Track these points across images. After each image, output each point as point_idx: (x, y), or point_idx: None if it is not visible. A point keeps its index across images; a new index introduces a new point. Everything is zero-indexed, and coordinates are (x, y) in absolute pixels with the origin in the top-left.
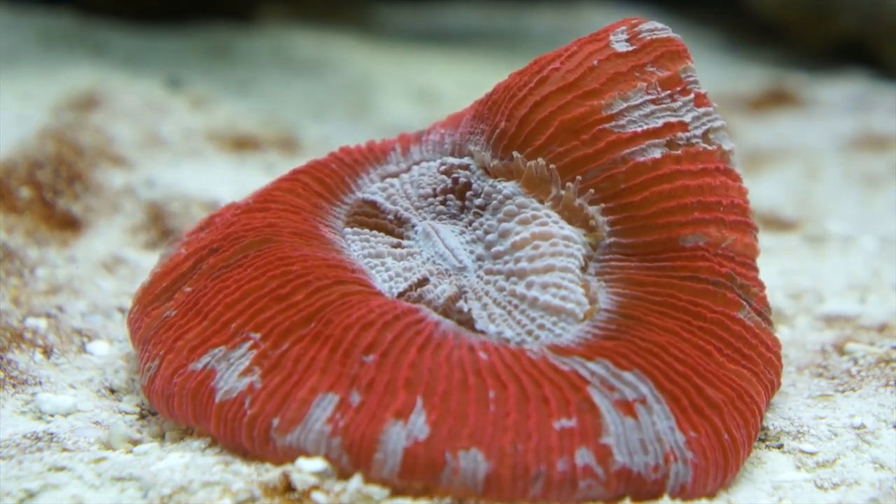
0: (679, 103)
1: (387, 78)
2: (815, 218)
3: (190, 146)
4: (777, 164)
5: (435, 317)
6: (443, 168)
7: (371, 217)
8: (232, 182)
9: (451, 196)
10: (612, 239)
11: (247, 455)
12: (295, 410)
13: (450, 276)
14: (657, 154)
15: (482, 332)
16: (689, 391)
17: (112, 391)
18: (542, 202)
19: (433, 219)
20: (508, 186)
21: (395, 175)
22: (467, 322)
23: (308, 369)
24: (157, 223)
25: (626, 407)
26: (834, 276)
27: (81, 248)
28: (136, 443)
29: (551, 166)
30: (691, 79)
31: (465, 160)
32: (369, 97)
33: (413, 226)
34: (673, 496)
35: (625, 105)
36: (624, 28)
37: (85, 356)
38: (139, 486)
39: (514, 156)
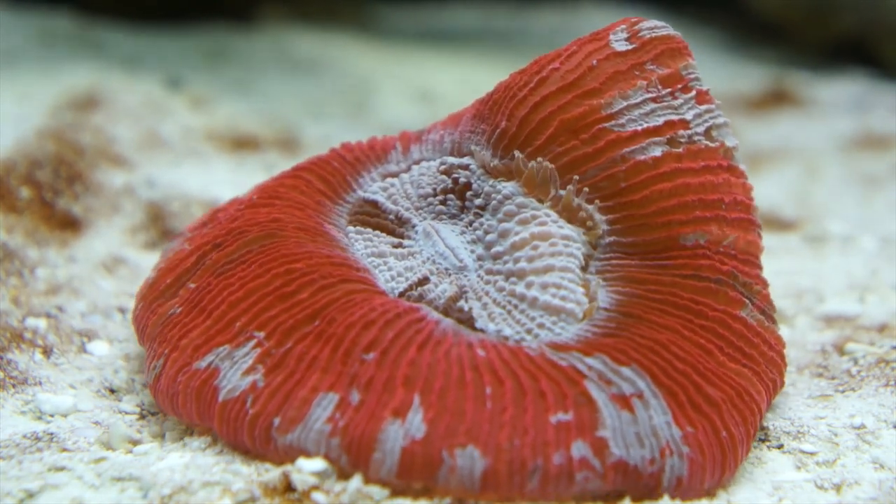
0: (680, 101)
1: (386, 78)
2: (815, 218)
3: (190, 146)
4: (777, 164)
5: (435, 315)
6: (443, 168)
7: (373, 217)
8: (232, 182)
9: (451, 196)
10: (613, 237)
11: (249, 454)
12: (296, 410)
13: (450, 275)
14: (658, 152)
15: (482, 330)
16: (688, 388)
17: (112, 391)
18: (542, 202)
19: (433, 219)
20: (508, 186)
21: (396, 175)
22: (467, 321)
23: (310, 368)
24: (157, 223)
25: (623, 401)
26: (834, 276)
27: (81, 248)
28: (136, 443)
29: (551, 166)
30: (692, 76)
31: (465, 160)
32: (369, 97)
33: (414, 226)
34: (670, 490)
35: (625, 104)
36: (624, 27)
37: (85, 356)
38: (139, 486)
39: (515, 155)
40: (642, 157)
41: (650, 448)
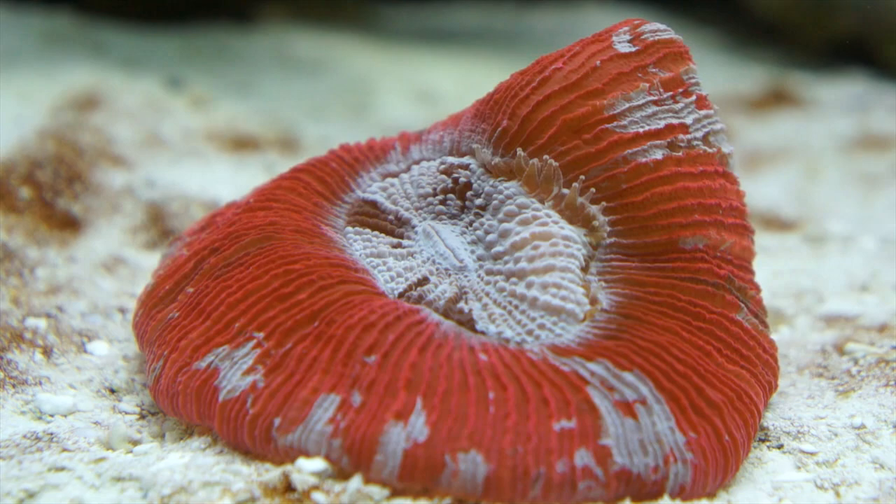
0: (681, 105)
1: (387, 78)
2: (815, 218)
3: (190, 146)
4: (777, 164)
5: (436, 317)
6: (442, 167)
7: (372, 217)
8: (232, 182)
9: (451, 196)
10: (613, 239)
11: (249, 454)
12: (297, 410)
13: (450, 275)
14: (659, 155)
15: (482, 332)
16: (689, 391)
17: (112, 391)
18: (543, 202)
19: (433, 219)
20: (509, 186)
21: (396, 175)
22: (468, 322)
23: (310, 369)
24: (157, 223)
25: (626, 407)
26: (834, 276)
27: (81, 248)
28: (136, 443)
29: (555, 164)
30: (693, 80)
31: (466, 160)
32: (369, 97)
33: (413, 226)
34: (673, 497)
35: (627, 105)
36: (626, 29)
37: (85, 356)
38: (139, 486)
39: (517, 153)
40: (644, 160)
41: (654, 456)
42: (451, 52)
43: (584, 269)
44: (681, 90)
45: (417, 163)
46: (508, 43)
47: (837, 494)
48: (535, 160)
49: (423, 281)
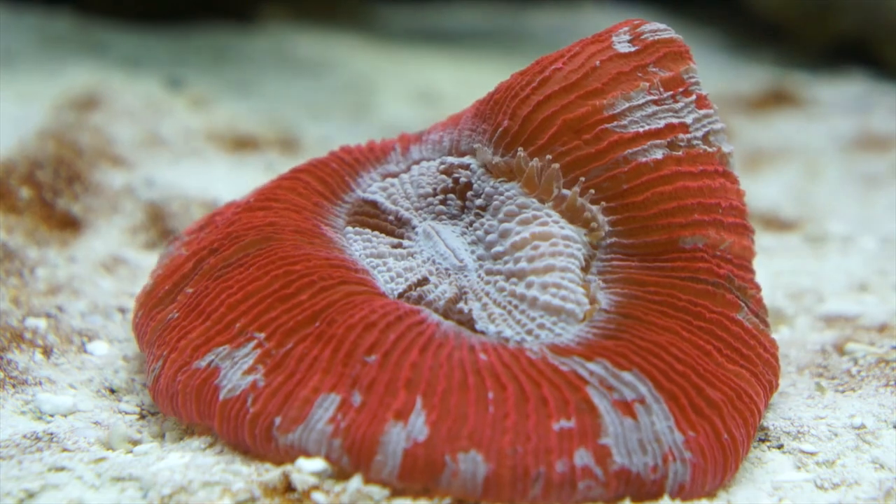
0: (681, 104)
1: (387, 78)
2: (815, 218)
3: (190, 146)
4: (777, 164)
5: (436, 318)
6: (442, 167)
7: (372, 217)
8: (232, 182)
9: (451, 196)
10: (614, 239)
11: (249, 453)
12: (297, 410)
13: (450, 275)
14: (659, 155)
15: (482, 332)
16: (689, 390)
17: (112, 391)
18: (543, 202)
19: (433, 219)
20: (509, 187)
21: (396, 175)
22: (467, 322)
23: (311, 369)
24: (157, 223)
25: (625, 407)
26: (834, 276)
27: (81, 248)
28: (136, 443)
29: (556, 165)
30: (693, 80)
31: (466, 160)
32: (369, 97)
33: (413, 227)
34: (672, 496)
35: (627, 105)
36: (626, 29)
37: (85, 356)
38: (139, 486)
39: (518, 153)
40: (644, 160)
41: (653, 455)
42: (451, 52)
43: (585, 269)
44: (681, 89)
45: (417, 163)
46: (508, 43)
47: (838, 494)
48: (536, 160)
49: (423, 281)
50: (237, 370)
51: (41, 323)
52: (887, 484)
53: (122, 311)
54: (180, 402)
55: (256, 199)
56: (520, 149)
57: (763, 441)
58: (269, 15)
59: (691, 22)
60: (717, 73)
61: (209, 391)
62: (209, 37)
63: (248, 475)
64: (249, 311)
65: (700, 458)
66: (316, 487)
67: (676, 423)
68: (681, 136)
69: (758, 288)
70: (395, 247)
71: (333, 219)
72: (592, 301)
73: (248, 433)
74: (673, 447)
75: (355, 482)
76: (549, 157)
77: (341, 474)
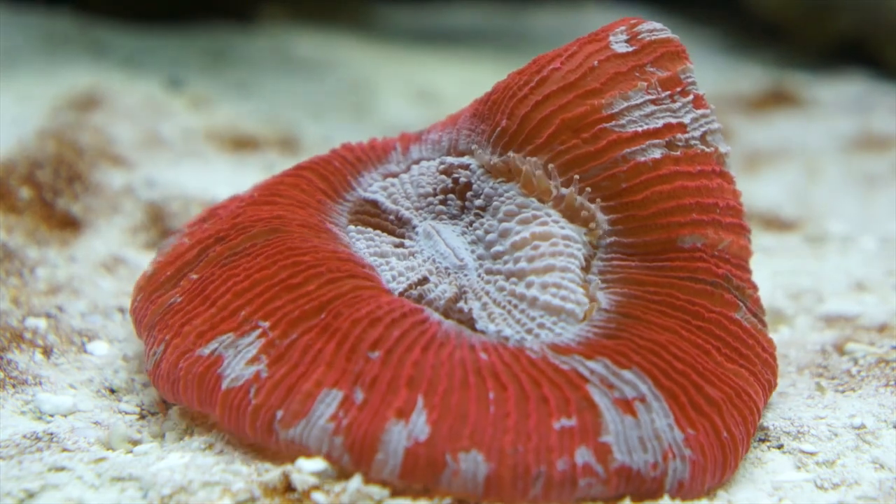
0: (678, 104)
1: (387, 78)
2: (815, 218)
3: (190, 146)
4: (777, 164)
5: (437, 317)
6: (442, 167)
7: (373, 216)
8: (232, 182)
9: (451, 196)
10: (613, 238)
11: (249, 450)
12: (299, 404)
13: (450, 275)
14: (657, 154)
15: (482, 331)
16: (688, 389)
17: (112, 391)
18: (543, 202)
19: (433, 219)
20: (508, 187)
21: (396, 175)
22: (468, 322)
23: (314, 361)
24: (157, 223)
25: (626, 405)
26: (834, 276)
27: (81, 248)
28: (136, 443)
29: (551, 165)
30: (690, 80)
31: (465, 160)
32: (369, 97)
33: (414, 226)
34: (672, 493)
35: (625, 104)
36: (623, 28)
37: (85, 356)
38: (139, 486)
39: (510, 155)
40: (642, 159)
41: (653, 452)
42: (451, 52)
43: (586, 269)
44: (678, 89)
45: (417, 163)
46: (508, 43)
47: (838, 494)
48: (533, 161)
49: (423, 280)
50: (241, 359)
51: (41, 323)
52: (887, 484)
53: (122, 311)
54: (181, 388)
55: (261, 193)
56: (510, 152)
57: (763, 441)
58: (269, 15)
59: (691, 22)
60: (717, 73)
61: (212, 380)
62: (209, 37)
63: (248, 475)
64: (255, 300)
65: (700, 455)
66: (316, 487)
67: (676, 420)
68: (679, 135)
69: (755, 287)
70: (397, 246)
71: (336, 216)
72: (592, 300)
73: (249, 424)
74: (673, 445)
75: (355, 482)
76: (544, 156)
77: (342, 474)
